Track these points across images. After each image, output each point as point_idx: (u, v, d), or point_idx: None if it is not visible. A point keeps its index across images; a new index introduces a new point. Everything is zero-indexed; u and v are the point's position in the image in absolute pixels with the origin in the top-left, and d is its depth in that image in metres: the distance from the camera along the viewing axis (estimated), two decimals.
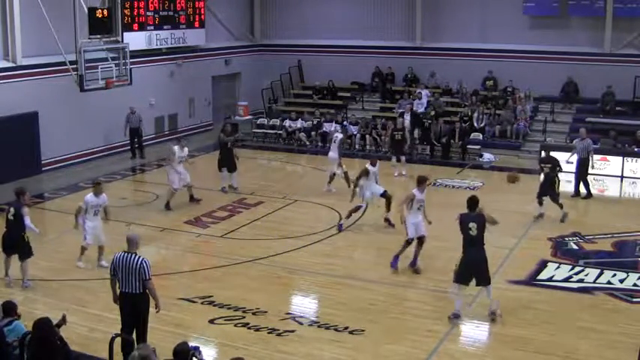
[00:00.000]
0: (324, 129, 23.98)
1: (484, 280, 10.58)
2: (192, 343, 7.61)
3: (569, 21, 24.05)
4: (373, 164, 15.19)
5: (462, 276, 10.54)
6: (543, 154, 16.51)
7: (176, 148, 16.58)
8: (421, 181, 12.60)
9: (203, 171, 20.94)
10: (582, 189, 17.91)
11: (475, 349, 10.02)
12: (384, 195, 15.13)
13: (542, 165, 16.02)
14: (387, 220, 15.19)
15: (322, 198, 17.41)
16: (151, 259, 9.39)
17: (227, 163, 17.85)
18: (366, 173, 14.90)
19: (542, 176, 15.93)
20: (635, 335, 10.00)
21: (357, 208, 15.17)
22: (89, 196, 12.79)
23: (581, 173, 17.88)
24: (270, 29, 29.24)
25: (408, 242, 12.56)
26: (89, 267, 12.83)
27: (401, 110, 23.04)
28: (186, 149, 16.84)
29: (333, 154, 18.10)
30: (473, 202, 10.64)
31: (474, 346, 10.15)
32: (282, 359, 9.58)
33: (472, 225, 10.39)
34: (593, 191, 19.12)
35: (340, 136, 18.65)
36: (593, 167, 18.03)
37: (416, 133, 22.64)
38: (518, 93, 23.97)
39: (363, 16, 27.07)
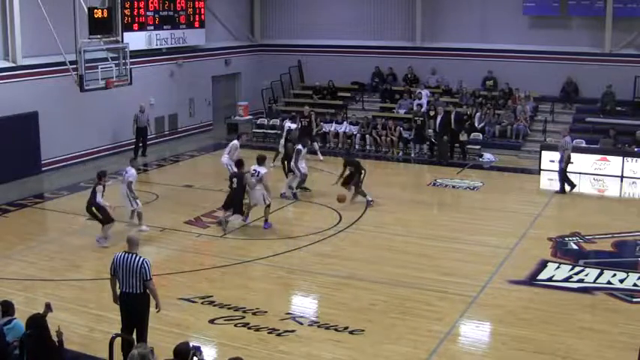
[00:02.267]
0: (323, 129, 23.96)
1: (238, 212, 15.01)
2: (193, 343, 7.61)
3: (569, 21, 24.05)
4: (304, 145, 17.56)
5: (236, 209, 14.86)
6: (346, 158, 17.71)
7: (236, 142, 17.56)
8: (261, 159, 15.44)
9: (204, 171, 21.01)
10: (566, 186, 18.17)
11: (475, 349, 10.02)
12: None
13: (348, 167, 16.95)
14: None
15: (322, 198, 17.40)
16: (151, 259, 9.39)
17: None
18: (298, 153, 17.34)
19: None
20: (635, 335, 10.00)
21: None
22: (133, 170, 14.91)
23: (562, 169, 18.17)
24: (270, 29, 29.23)
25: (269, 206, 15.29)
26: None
27: (432, 112, 22.67)
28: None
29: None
30: (238, 164, 15.18)
31: (474, 346, 10.14)
32: (282, 359, 9.58)
33: (234, 180, 14.78)
34: (592, 191, 19.21)
35: (293, 126, 20.95)
36: (567, 164, 18.19)
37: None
38: (517, 93, 23.97)
39: (363, 16, 27.07)
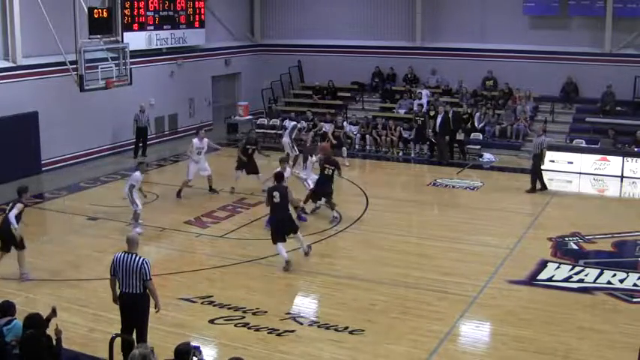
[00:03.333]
0: (324, 129, 23.96)
1: (294, 230, 13.00)
2: (192, 343, 7.61)
3: (569, 21, 24.05)
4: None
5: (278, 234, 12.80)
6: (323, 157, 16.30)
7: (195, 140, 17.39)
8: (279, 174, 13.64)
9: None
10: (538, 184, 18.22)
11: (475, 349, 10.02)
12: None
13: (327, 165, 15.80)
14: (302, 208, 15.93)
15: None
16: (151, 259, 9.39)
17: (245, 165, 17.84)
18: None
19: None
20: (635, 335, 10.01)
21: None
22: (138, 173, 14.65)
23: (535, 168, 18.22)
24: (270, 29, 29.24)
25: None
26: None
27: (432, 112, 22.56)
28: (205, 140, 17.48)
29: (286, 139, 20.05)
30: (278, 176, 13.22)
31: (474, 346, 10.14)
32: (282, 359, 9.58)
33: (276, 194, 12.75)
34: (592, 191, 19.20)
35: (293, 123, 20.98)
36: (543, 163, 18.28)
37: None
38: (517, 93, 23.97)
39: (363, 16, 27.08)
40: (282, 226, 12.83)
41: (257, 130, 25.41)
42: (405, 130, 23.15)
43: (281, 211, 12.82)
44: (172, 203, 17.14)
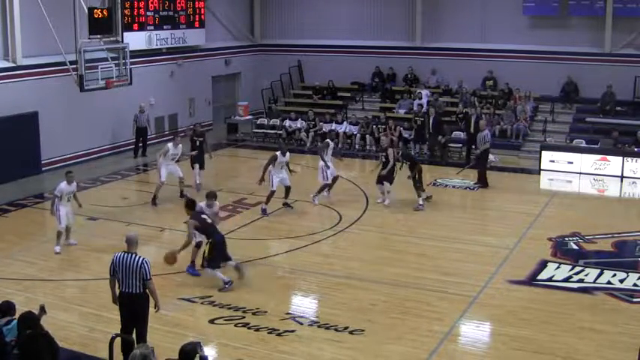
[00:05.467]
0: (323, 129, 23.95)
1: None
2: (193, 340, 7.60)
3: (569, 21, 24.05)
4: (283, 153, 16.05)
5: (220, 258, 11.88)
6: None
7: (170, 145, 16.98)
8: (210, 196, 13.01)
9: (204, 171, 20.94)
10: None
11: (475, 349, 10.02)
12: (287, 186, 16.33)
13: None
14: (285, 204, 16.32)
15: (322, 198, 17.40)
16: (151, 259, 9.38)
17: (197, 160, 18.08)
18: (274, 160, 15.98)
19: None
20: (635, 335, 10.00)
21: (271, 194, 16.06)
22: (62, 184, 13.58)
23: (478, 163, 18.63)
24: (270, 29, 29.25)
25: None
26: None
27: (423, 110, 22.64)
28: (180, 147, 17.12)
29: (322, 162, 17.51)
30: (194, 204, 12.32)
31: (474, 346, 10.14)
32: (282, 359, 9.58)
33: (204, 216, 11.97)
34: (592, 191, 19.19)
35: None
36: (484, 158, 18.55)
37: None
38: (517, 93, 23.97)
39: (363, 16, 27.09)
40: (224, 248, 11.98)
41: (256, 131, 25.51)
42: (405, 130, 23.14)
43: (217, 232, 12.02)
44: (172, 203, 17.11)
